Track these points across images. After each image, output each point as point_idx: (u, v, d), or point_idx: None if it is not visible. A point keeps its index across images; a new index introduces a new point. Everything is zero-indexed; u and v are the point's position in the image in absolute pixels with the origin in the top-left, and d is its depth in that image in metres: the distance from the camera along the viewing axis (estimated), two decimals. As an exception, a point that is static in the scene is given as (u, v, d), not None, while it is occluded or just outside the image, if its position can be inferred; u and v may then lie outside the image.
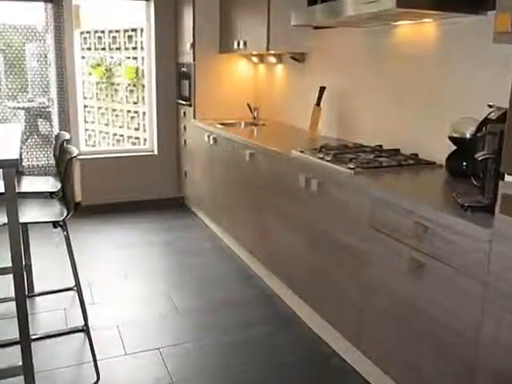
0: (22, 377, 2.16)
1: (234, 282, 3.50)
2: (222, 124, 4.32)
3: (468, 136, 2.29)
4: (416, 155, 2.78)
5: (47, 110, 4.84)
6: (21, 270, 2.05)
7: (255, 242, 3.50)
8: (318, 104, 3.62)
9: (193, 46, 4.62)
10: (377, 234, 2.20)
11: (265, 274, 3.48)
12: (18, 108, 4.75)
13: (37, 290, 3.24)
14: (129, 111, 6.46)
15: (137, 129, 6.36)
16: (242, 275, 3.61)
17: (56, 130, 4.79)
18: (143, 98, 5.69)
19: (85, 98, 6.61)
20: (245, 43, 4.13)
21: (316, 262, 2.72)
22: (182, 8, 4.82)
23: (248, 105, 4.61)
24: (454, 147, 2.41)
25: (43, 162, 4.84)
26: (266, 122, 4.48)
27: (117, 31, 6.30)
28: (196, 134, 4.67)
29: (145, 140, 5.57)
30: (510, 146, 1.58)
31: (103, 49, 6.45)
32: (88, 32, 6.44)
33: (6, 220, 2.00)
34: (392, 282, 2.12)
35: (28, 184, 2.94)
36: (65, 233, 2.46)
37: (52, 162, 4.78)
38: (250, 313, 3.06)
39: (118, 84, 6.49)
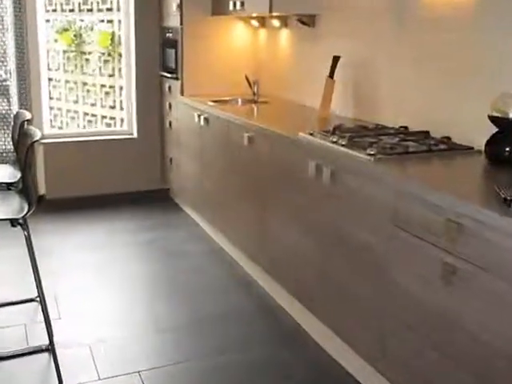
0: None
1: (228, 291, 3.50)
2: (214, 101, 4.31)
3: (512, 115, 2.28)
4: (448, 138, 2.77)
5: (4, 84, 4.82)
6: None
7: (255, 243, 3.50)
8: (331, 77, 3.61)
9: (180, 6, 4.60)
10: (401, 233, 2.19)
11: (266, 281, 3.48)
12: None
13: (-8, 300, 3.24)
14: (103, 86, 6.43)
15: (112, 107, 6.33)
16: (239, 283, 3.61)
17: (15, 109, 4.78)
18: (120, 69, 5.66)
19: (49, 69, 6.59)
20: (242, 3, 4.11)
21: (328, 268, 2.72)
22: (167, -40, 4.80)
23: (246, 78, 4.60)
24: (495, 129, 2.39)
25: (-1, 147, 4.84)
26: (268, 98, 4.47)
27: (88, -11, 6.27)
28: (184, 114, 4.65)
29: (122, 121, 5.55)
30: None
31: (71, 10, 6.42)
32: (53, -10, 6.41)
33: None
34: (419, 292, 2.12)
35: (-20, 173, 2.93)
36: (25, 233, 2.45)
37: (10, 146, 4.76)
38: (248, 329, 3.06)
39: (90, 53, 6.46)
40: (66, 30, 6.50)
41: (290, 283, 3.12)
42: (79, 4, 6.41)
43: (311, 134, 2.88)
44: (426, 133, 2.87)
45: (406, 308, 2.20)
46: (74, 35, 6.51)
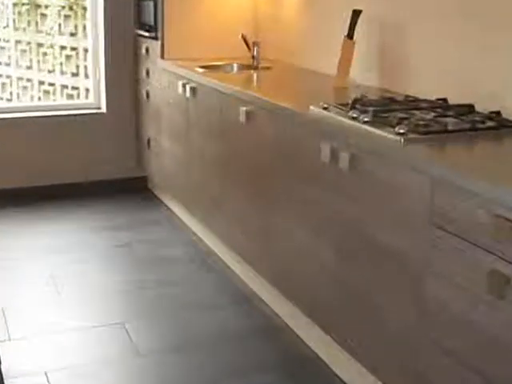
0: None
1: (222, 306, 3.50)
2: (204, 67, 4.29)
3: None
4: (498, 113, 2.76)
5: None
6: None
7: (255, 247, 3.50)
8: (350, 37, 3.59)
9: None
10: (440, 233, 2.18)
11: (269, 294, 3.48)
12: None
13: None
14: (63, 48, 6.41)
15: (75, 74, 6.31)
16: (235, 297, 3.61)
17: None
18: (84, 27, 5.64)
19: (-4, 27, 6.57)
20: None
21: (347, 277, 2.71)
22: None
23: (243, 38, 4.57)
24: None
25: None
26: (271, 63, 4.46)
27: None
28: (165, 83, 4.64)
29: (87, 91, 5.53)
30: None
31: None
32: None
33: None
34: (464, 308, 2.11)
35: None
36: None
37: None
38: (247, 354, 3.07)
39: (47, 7, 6.44)
40: (16, -23, 6.46)
41: (300, 297, 3.12)
42: None
43: (325, 109, 2.86)
44: (470, 106, 2.86)
45: (446, 329, 2.19)
46: (27, -16, 6.48)
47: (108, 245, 4.25)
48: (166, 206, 4.96)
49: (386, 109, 2.81)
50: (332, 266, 2.81)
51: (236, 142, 3.63)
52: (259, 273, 3.50)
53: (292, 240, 3.13)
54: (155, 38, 4.76)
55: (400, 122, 2.56)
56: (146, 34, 4.90)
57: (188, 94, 4.18)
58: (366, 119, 2.64)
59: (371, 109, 2.72)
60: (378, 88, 3.57)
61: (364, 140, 2.56)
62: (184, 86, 4.23)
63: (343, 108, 2.82)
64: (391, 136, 2.44)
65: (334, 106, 2.87)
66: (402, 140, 2.40)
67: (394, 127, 2.49)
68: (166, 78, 4.60)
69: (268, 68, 4.36)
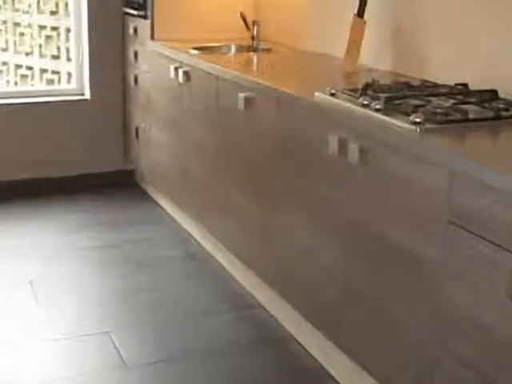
0: None
1: (217, 313, 3.51)
2: (198, 48, 4.30)
3: None
4: (525, 101, 2.77)
5: None
6: None
7: (255, 248, 3.50)
8: (361, 15, 3.59)
9: None
10: (459, 233, 2.18)
11: (271, 300, 3.49)
12: None
13: None
14: (42, 27, 6.41)
15: (56, 57, 6.31)
16: (232, 302, 3.62)
17: None
18: (66, 4, 5.63)
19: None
20: None
21: (358, 282, 2.72)
22: None
23: (242, 16, 4.57)
24: None
25: None
26: (273, 45, 4.46)
27: None
28: (155, 66, 4.64)
29: (69, 75, 5.52)
30: None
31: None
32: None
33: None
34: (483, 315, 2.11)
35: None
36: None
37: None
38: (245, 368, 3.07)
39: (24, -19, 6.43)
40: None
41: (304, 303, 3.12)
42: None
43: (333, 95, 2.86)
44: (493, 92, 2.86)
45: (465, 337, 2.20)
46: (2, -44, 6.46)
47: (92, 246, 4.25)
48: (156, 202, 4.95)
49: (400, 95, 2.81)
50: (339, 269, 2.81)
51: (234, 132, 3.63)
52: (258, 275, 3.50)
53: (295, 240, 3.13)
54: (144, 17, 4.75)
55: (415, 109, 2.56)
56: (135, 12, 4.89)
57: (180, 78, 4.18)
58: (377, 106, 2.63)
59: (384, 95, 2.72)
60: (391, 72, 3.57)
61: (376, 130, 2.56)
62: (176, 69, 4.23)
63: (353, 94, 2.82)
64: (406, 125, 2.44)
65: (343, 92, 2.87)
66: (418, 130, 2.40)
67: (408, 115, 2.49)
68: (157, 60, 4.60)
69: (269, 50, 4.36)
